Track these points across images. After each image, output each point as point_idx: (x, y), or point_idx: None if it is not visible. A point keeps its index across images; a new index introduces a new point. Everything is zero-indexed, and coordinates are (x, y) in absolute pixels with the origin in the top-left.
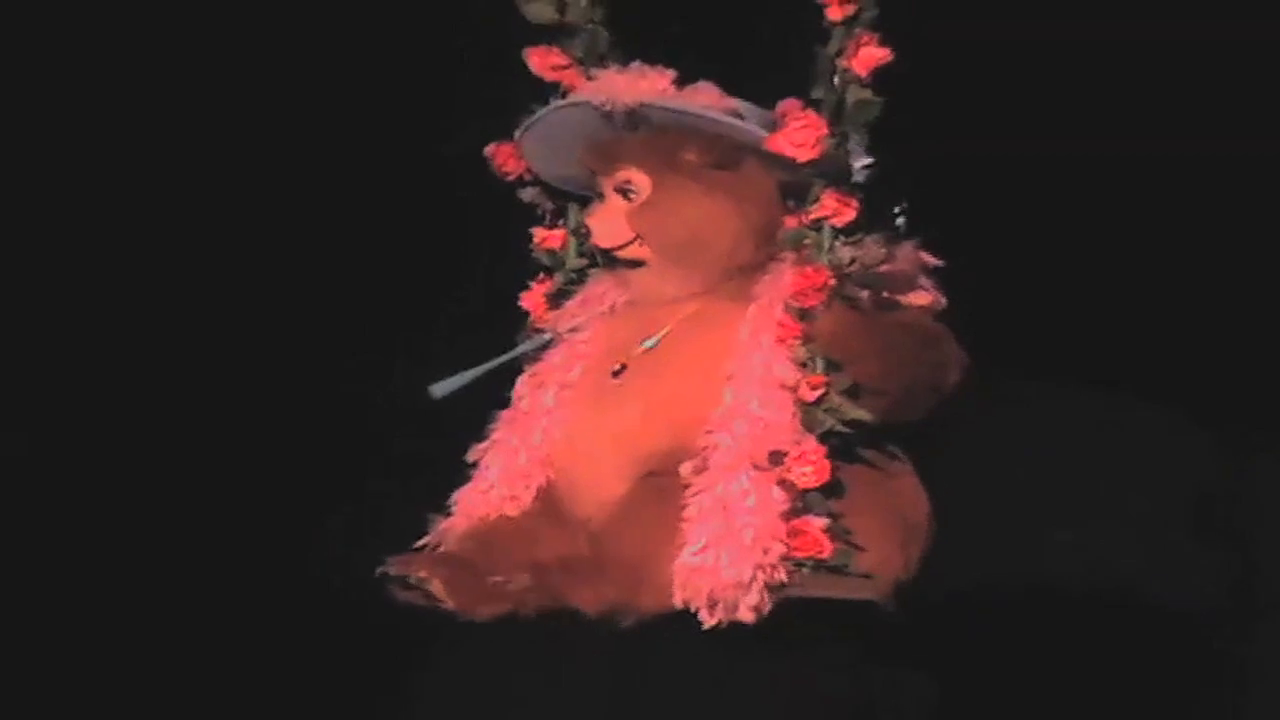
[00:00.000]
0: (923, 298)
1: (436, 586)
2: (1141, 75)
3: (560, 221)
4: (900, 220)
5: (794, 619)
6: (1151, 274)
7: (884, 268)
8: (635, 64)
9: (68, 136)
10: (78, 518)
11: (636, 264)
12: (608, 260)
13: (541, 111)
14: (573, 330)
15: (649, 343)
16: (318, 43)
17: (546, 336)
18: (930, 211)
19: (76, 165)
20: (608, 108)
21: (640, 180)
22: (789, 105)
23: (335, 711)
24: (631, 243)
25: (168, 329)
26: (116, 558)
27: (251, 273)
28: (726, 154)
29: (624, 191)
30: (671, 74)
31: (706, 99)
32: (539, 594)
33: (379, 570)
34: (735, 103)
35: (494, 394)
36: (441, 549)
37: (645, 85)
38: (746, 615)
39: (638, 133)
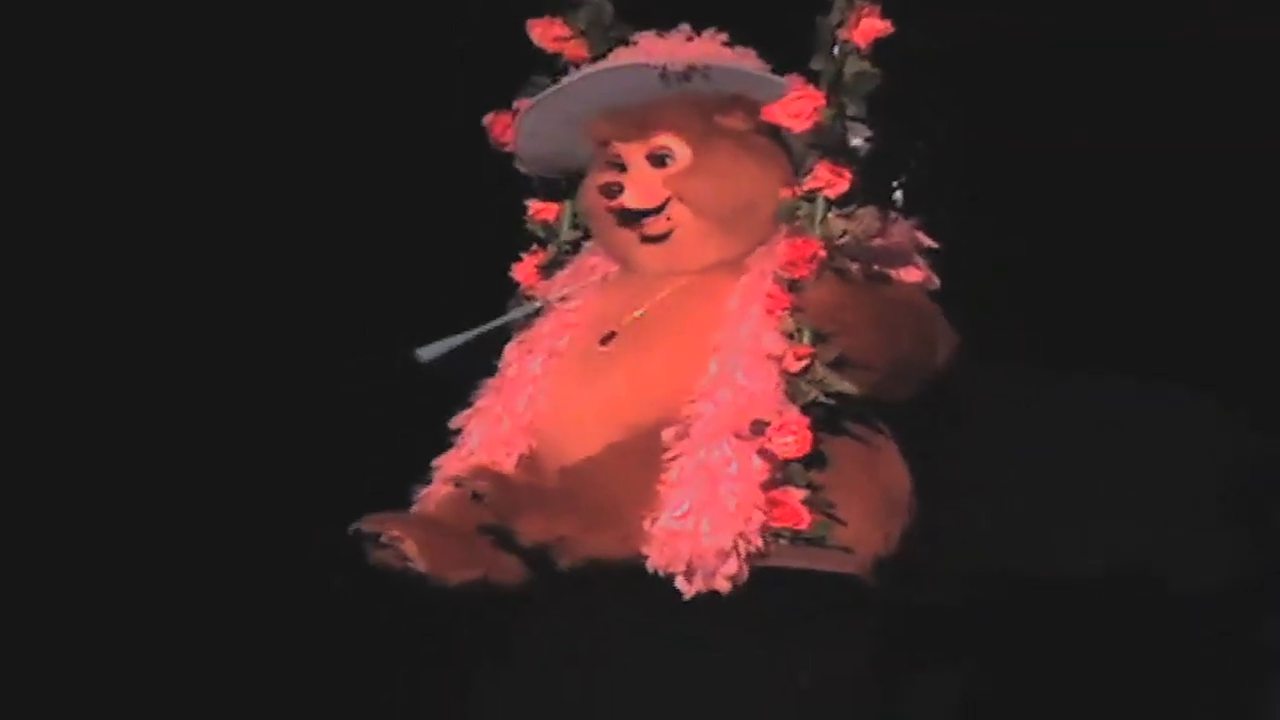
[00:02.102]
0: (915, 274)
1: (409, 546)
2: (1142, 65)
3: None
4: (898, 194)
5: (769, 590)
6: (1177, 262)
7: (877, 242)
8: (683, 26)
9: (61, 127)
10: (75, 516)
11: (657, 238)
12: (624, 221)
13: (568, 80)
14: (563, 299)
15: (639, 312)
16: (307, 15)
17: (537, 304)
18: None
19: (71, 156)
20: (671, 69)
21: (679, 146)
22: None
23: (332, 706)
24: (664, 207)
25: (164, 323)
26: (115, 553)
27: (239, 258)
28: (761, 119)
29: (659, 158)
30: (722, 35)
31: (754, 62)
32: (492, 510)
33: (352, 528)
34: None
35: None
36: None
37: (698, 47)
38: (723, 585)
39: (674, 98)
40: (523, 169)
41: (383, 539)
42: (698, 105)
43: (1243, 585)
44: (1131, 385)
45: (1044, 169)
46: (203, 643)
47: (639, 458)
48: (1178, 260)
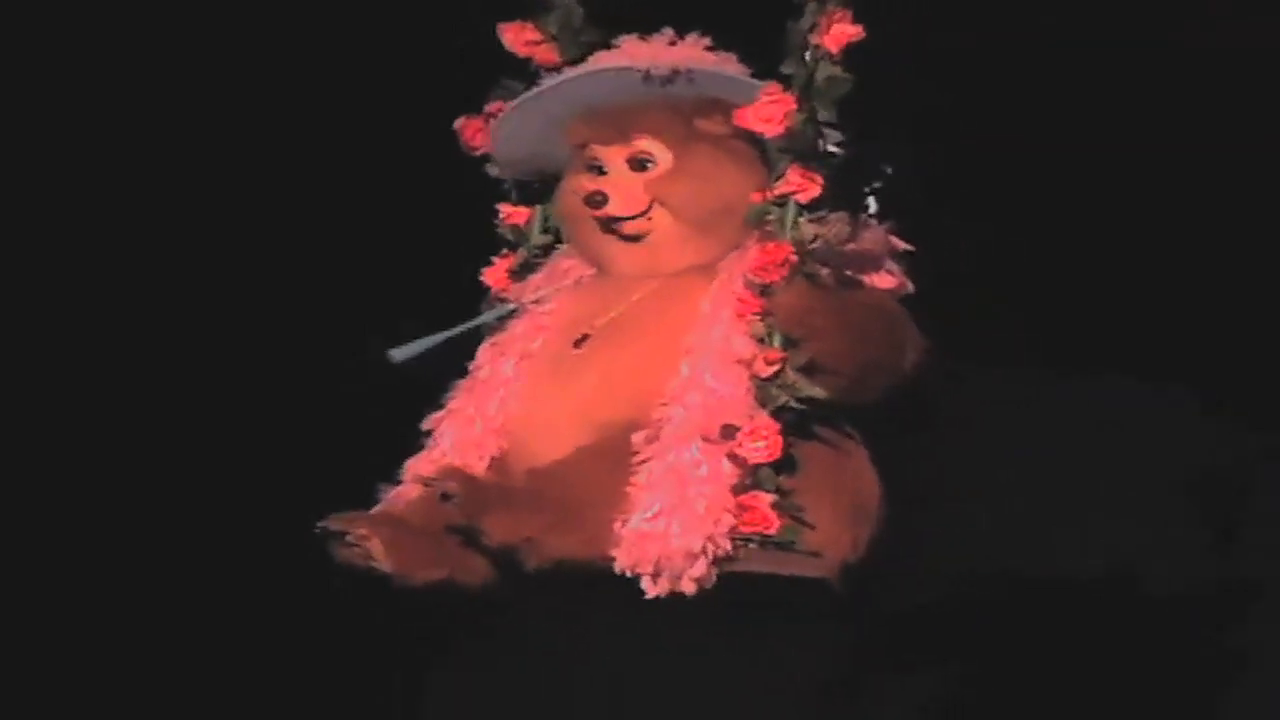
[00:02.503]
0: (888, 281)
1: (375, 545)
2: (1125, 66)
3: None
4: (872, 200)
5: (737, 593)
6: (1155, 264)
7: (849, 247)
8: (666, 30)
9: (59, 127)
10: (71, 514)
11: (634, 238)
12: (607, 228)
13: (550, 82)
14: (537, 301)
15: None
16: (286, 22)
17: (510, 306)
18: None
19: (70, 155)
20: (655, 72)
21: (659, 150)
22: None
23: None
24: (645, 212)
25: (161, 322)
26: (113, 551)
27: (210, 258)
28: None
29: (639, 162)
30: (705, 40)
31: (736, 67)
32: (459, 508)
33: (318, 526)
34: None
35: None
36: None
37: (681, 51)
38: (689, 587)
39: (655, 102)
40: (494, 172)
41: (348, 538)
42: (678, 109)
43: (1228, 587)
44: (1118, 385)
45: (1034, 169)
46: (181, 641)
47: (608, 460)
48: (1168, 261)
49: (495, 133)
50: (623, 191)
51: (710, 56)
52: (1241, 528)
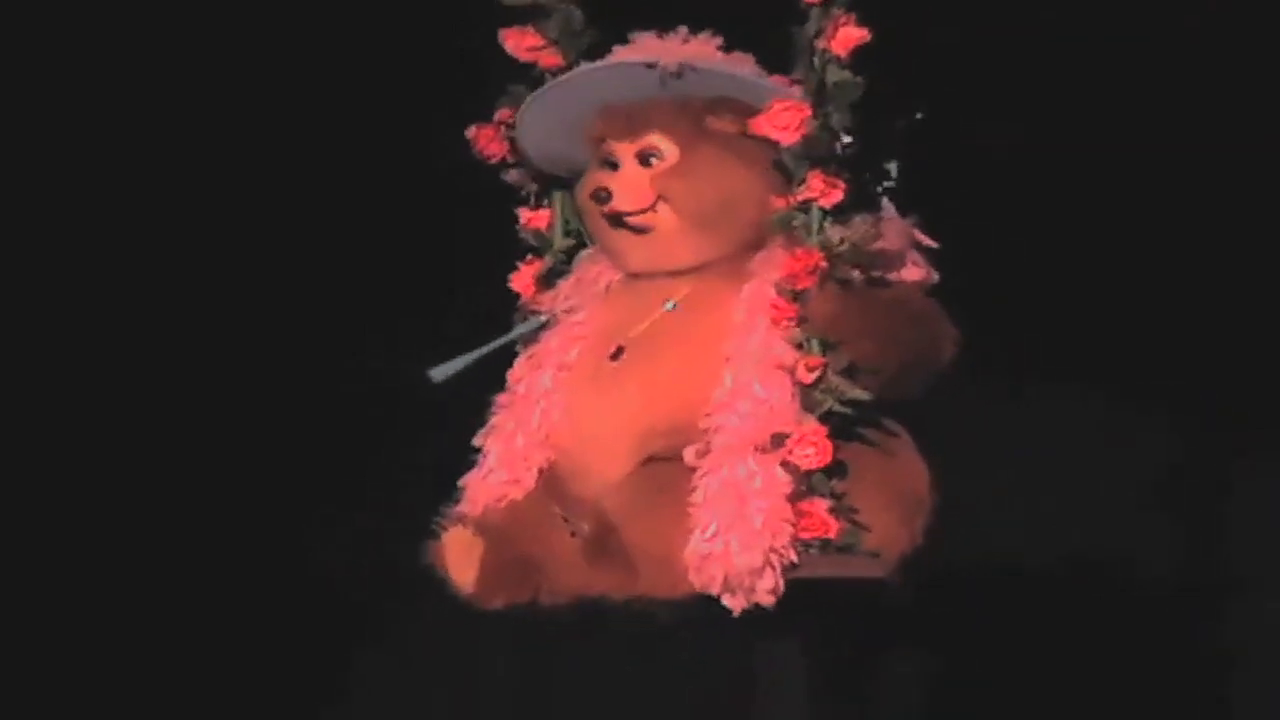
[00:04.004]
0: (915, 273)
1: (476, 550)
2: (1131, 69)
3: (545, 201)
4: (893, 176)
5: (804, 600)
6: (1135, 268)
7: (875, 245)
8: (680, 29)
9: (61, 131)
10: (68, 514)
11: (640, 230)
12: (616, 223)
13: (565, 75)
14: (568, 311)
15: (670, 305)
16: (299, 32)
17: (543, 318)
18: (924, 194)
19: (71, 160)
20: (663, 68)
21: (667, 146)
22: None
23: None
24: (650, 208)
25: (167, 323)
26: (112, 551)
27: (246, 264)
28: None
29: (646, 157)
30: (718, 39)
31: (749, 67)
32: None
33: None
34: (766, 75)
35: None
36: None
37: (693, 48)
38: (766, 598)
39: (666, 99)
40: (511, 179)
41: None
42: (688, 106)
43: (1214, 584)
44: (1096, 387)
45: (1003, 174)
46: (200, 638)
47: (666, 489)
48: (1146, 264)
49: (523, 133)
50: (628, 186)
51: (720, 56)
52: (1224, 525)
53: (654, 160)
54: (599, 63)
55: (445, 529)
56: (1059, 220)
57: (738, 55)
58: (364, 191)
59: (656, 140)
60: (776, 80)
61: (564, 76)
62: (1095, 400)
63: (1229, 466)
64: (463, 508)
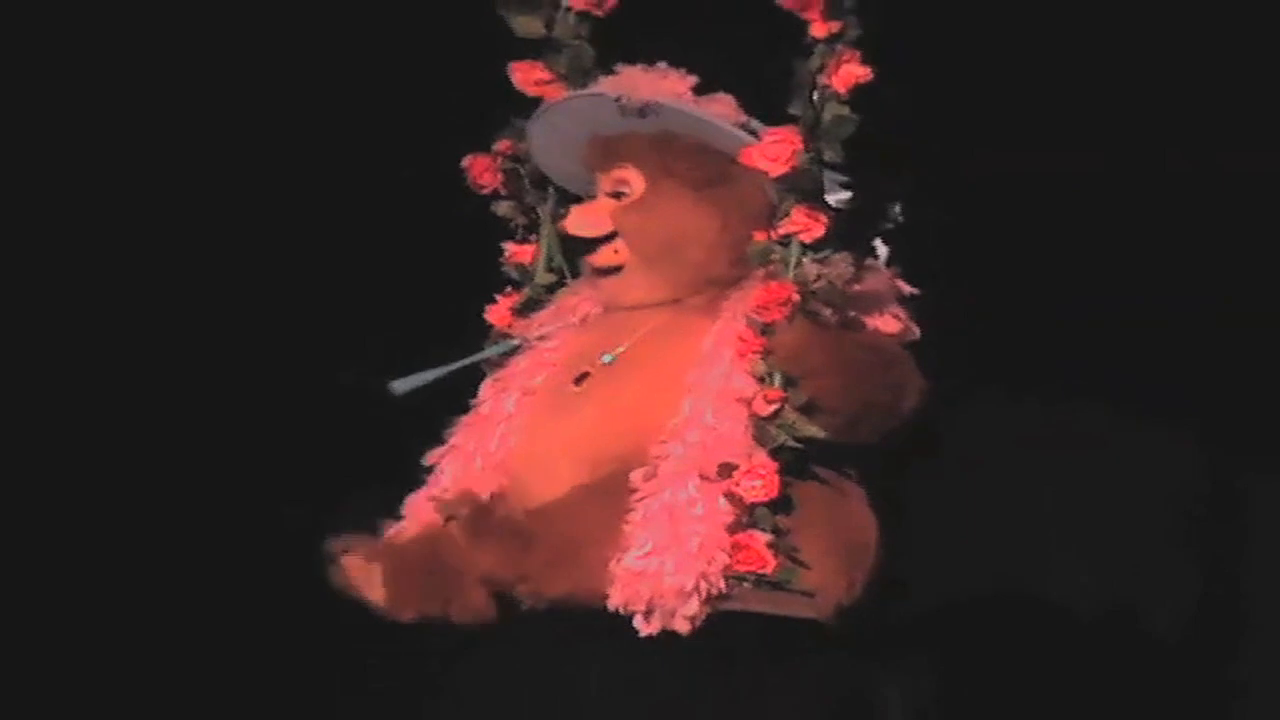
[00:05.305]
0: (892, 325)
1: (374, 574)
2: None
3: (531, 236)
4: (880, 245)
5: (730, 632)
6: (1144, 293)
7: (853, 288)
8: (660, 65)
9: (64, 137)
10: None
11: (613, 270)
12: (586, 272)
13: (557, 100)
14: (541, 338)
15: (607, 358)
16: (307, 53)
17: (514, 342)
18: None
19: (74, 166)
20: (623, 102)
21: (635, 180)
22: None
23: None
24: (609, 240)
25: (160, 331)
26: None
27: (231, 273)
28: (725, 167)
29: (617, 192)
30: (692, 79)
31: (722, 109)
32: (460, 532)
33: (326, 546)
34: (748, 120)
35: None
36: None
37: (665, 85)
38: (682, 625)
39: (644, 132)
40: (500, 211)
41: (344, 561)
42: (660, 143)
43: (1205, 618)
44: (1102, 415)
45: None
46: (193, 641)
47: (606, 498)
48: (1151, 295)
49: (537, 155)
50: (588, 212)
51: (688, 96)
52: (1233, 552)
53: (623, 194)
54: (571, 94)
55: (340, 555)
56: (1070, 239)
57: (719, 96)
58: (351, 215)
59: (628, 174)
60: (757, 123)
61: (543, 107)
62: (1108, 424)
63: (1244, 494)
64: (401, 524)
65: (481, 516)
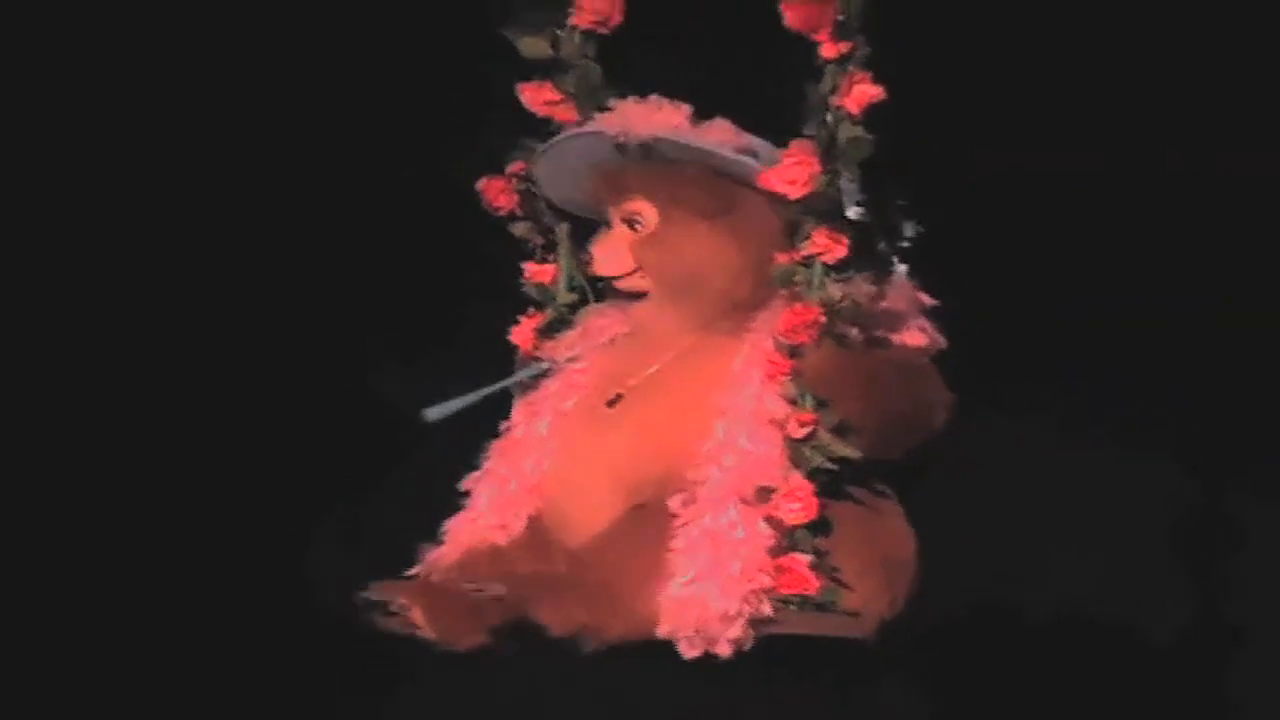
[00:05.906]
0: (917, 338)
1: (416, 615)
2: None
3: (550, 256)
4: (897, 260)
5: (777, 655)
6: (1144, 293)
7: (876, 305)
8: (654, 96)
9: (67, 140)
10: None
11: (637, 295)
12: (611, 290)
13: (556, 139)
14: (570, 360)
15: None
16: (315, 76)
17: (544, 365)
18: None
19: (75, 168)
20: (621, 139)
21: (648, 212)
22: (800, 145)
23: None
24: (633, 273)
25: (163, 337)
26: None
27: (248, 286)
28: (732, 192)
29: (631, 222)
30: (688, 109)
31: (719, 135)
32: (508, 607)
33: (359, 596)
34: (749, 140)
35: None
36: (429, 578)
37: (660, 118)
38: (724, 649)
39: (649, 165)
40: (518, 232)
41: (390, 607)
42: (667, 173)
43: (1205, 623)
44: (1094, 430)
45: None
46: (192, 650)
47: (643, 530)
48: (1144, 304)
49: (545, 185)
50: (610, 251)
51: (685, 126)
52: (1234, 556)
53: (638, 225)
54: (567, 132)
55: (385, 603)
56: (1070, 239)
57: (716, 122)
58: (379, 228)
59: (640, 205)
60: (758, 142)
61: (542, 148)
62: (1107, 424)
63: (1244, 495)
64: (442, 550)
65: (522, 588)
